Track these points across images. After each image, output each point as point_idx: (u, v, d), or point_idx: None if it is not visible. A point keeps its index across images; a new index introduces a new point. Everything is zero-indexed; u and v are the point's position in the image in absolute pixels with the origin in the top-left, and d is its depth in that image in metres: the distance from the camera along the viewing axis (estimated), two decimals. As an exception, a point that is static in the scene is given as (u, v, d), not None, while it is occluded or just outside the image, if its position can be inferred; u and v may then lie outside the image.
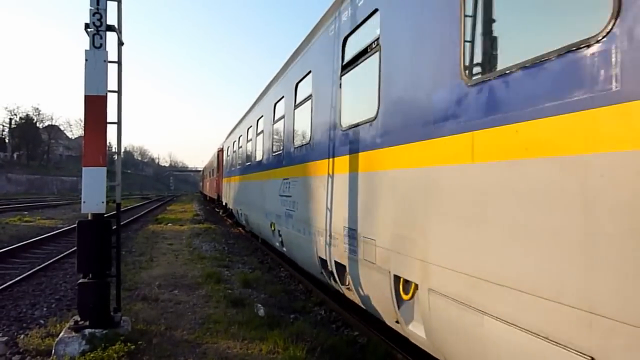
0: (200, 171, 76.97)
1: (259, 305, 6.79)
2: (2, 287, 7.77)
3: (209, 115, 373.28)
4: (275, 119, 9.12)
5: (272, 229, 8.83)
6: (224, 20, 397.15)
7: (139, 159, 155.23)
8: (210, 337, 5.43)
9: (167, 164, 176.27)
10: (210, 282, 8.27)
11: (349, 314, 6.59)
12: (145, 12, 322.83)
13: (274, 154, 9.14)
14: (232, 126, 19.81)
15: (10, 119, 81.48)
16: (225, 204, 20.81)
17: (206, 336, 5.44)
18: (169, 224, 20.25)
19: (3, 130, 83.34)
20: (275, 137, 9.32)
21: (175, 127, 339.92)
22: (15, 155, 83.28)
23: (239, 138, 15.52)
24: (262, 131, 10.79)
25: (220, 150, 23.85)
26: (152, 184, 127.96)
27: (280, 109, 8.70)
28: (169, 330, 5.62)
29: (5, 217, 20.37)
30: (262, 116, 10.94)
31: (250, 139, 12.72)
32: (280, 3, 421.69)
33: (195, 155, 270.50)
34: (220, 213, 27.11)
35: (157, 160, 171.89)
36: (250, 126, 12.75)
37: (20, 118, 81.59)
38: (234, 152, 16.94)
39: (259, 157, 11.08)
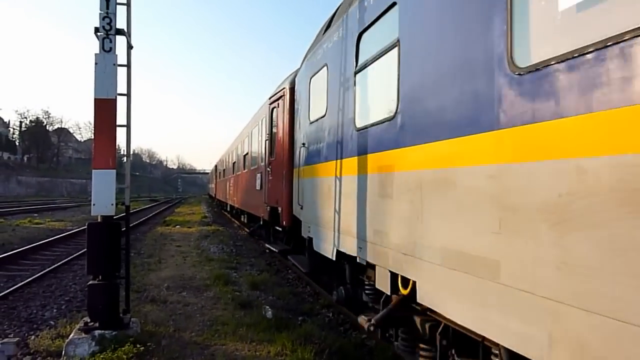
0: (208, 173, 76.00)
1: (267, 307, 6.79)
2: (12, 288, 7.85)
3: (216, 118, 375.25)
4: None
5: None
6: (232, 21, 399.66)
7: (148, 161, 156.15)
8: (218, 338, 5.44)
9: (175, 166, 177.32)
10: (218, 284, 8.29)
11: (356, 317, 6.56)
12: (153, 15, 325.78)
13: None
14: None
15: (21, 122, 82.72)
16: (339, 252, 5.22)
17: (214, 338, 5.46)
18: (177, 226, 20.33)
19: (13, 134, 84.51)
20: None
21: (183, 129, 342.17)
22: (25, 158, 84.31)
23: None
24: None
25: (281, 99, 8.65)
26: (160, 186, 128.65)
27: None
28: (177, 331, 5.65)
29: (15, 219, 20.59)
30: None
31: None
32: (283, 2, 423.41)
33: (203, 157, 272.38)
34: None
35: (165, 163, 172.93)
36: None
37: (30, 121, 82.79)
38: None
39: None
